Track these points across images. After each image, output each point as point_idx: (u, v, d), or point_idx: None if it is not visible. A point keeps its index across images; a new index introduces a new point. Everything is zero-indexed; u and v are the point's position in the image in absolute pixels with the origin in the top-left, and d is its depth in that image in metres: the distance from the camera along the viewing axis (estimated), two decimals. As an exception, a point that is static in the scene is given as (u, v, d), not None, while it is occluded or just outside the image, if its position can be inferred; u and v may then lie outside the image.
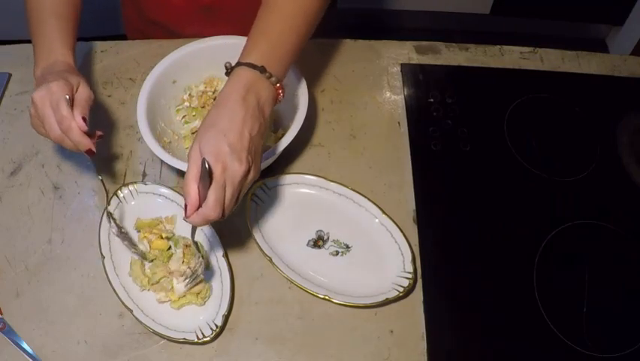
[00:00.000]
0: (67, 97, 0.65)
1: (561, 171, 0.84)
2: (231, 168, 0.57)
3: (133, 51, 0.93)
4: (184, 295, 0.70)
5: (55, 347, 0.68)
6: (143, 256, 0.72)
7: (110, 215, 0.73)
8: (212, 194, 0.57)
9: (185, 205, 0.58)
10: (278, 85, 0.64)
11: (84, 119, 0.66)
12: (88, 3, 0.84)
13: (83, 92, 0.68)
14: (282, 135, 0.75)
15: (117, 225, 0.72)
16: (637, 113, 0.93)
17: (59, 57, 0.71)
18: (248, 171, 0.59)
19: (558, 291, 0.74)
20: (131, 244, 0.72)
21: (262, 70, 0.63)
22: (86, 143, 0.66)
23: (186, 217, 0.58)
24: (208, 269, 0.73)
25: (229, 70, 0.64)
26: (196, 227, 0.64)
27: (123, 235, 0.72)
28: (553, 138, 0.87)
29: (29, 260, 0.74)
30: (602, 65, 0.95)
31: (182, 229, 0.75)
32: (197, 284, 0.70)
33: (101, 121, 0.86)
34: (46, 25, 0.73)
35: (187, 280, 0.69)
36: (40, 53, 0.72)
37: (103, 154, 0.83)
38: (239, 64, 0.63)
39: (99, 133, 0.70)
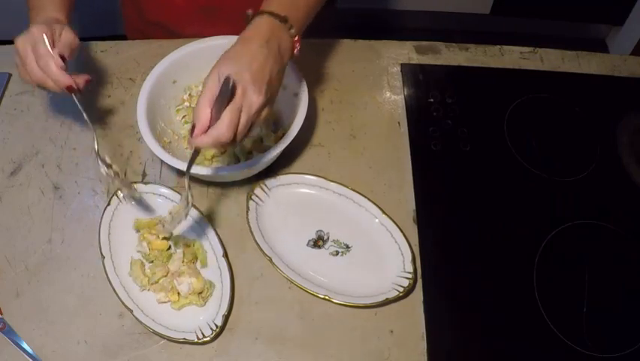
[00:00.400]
0: (46, 37, 0.65)
1: (561, 171, 0.84)
2: (250, 95, 0.57)
3: (133, 51, 0.93)
4: (186, 297, 0.70)
5: (55, 347, 0.68)
6: (133, 197, 0.72)
7: (97, 154, 0.71)
8: (228, 115, 0.56)
9: (193, 126, 0.57)
10: (296, 38, 0.65)
11: (63, 57, 0.66)
12: (88, 4, 0.84)
13: (66, 36, 0.68)
14: (282, 135, 0.75)
15: (106, 163, 0.70)
16: (637, 113, 0.93)
17: (52, 15, 0.72)
18: (264, 105, 0.59)
19: (558, 291, 0.74)
20: (125, 185, 0.72)
21: (284, 20, 0.63)
22: (65, 79, 0.66)
23: (192, 138, 0.57)
24: (205, 266, 0.73)
25: (250, 17, 0.65)
26: (197, 153, 0.63)
27: (115, 174, 0.71)
28: (553, 138, 0.87)
29: (29, 260, 0.74)
30: (602, 65, 0.95)
31: (182, 229, 0.75)
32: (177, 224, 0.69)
33: (101, 121, 0.86)
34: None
35: (169, 224, 0.68)
36: (33, 15, 0.73)
37: (103, 154, 0.83)
38: (261, 12, 0.64)
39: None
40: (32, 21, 0.72)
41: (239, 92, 0.57)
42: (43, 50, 0.65)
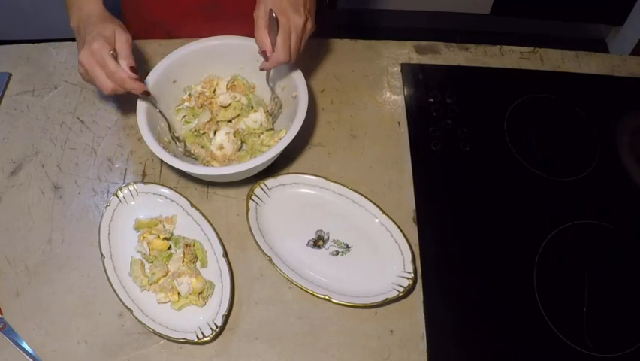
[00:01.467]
0: (111, 52, 0.70)
1: (561, 171, 0.84)
2: (293, 18, 0.69)
3: (133, 51, 0.93)
4: (186, 297, 0.70)
5: (55, 347, 0.68)
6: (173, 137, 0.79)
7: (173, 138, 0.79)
8: (280, 39, 0.69)
9: (263, 52, 0.71)
10: None
11: (132, 68, 0.71)
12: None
13: (121, 41, 0.72)
14: (282, 135, 0.75)
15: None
16: (637, 113, 0.93)
17: (90, 7, 0.76)
18: (306, 21, 0.71)
19: (558, 291, 0.74)
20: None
21: None
22: (140, 87, 0.73)
23: (266, 61, 0.72)
24: (205, 266, 0.73)
25: None
26: (269, 75, 0.79)
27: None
28: (553, 138, 0.87)
29: (29, 260, 0.74)
30: (602, 65, 0.96)
31: (182, 229, 0.75)
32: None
33: (101, 121, 0.86)
34: None
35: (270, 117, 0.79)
36: (71, 5, 0.78)
37: (103, 154, 0.83)
38: None
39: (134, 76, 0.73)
40: (72, 15, 0.77)
41: (282, 19, 0.68)
42: (114, 67, 0.70)
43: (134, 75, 0.71)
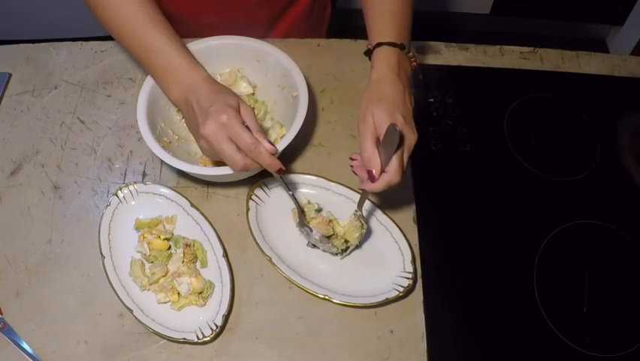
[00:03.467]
0: (245, 124, 0.64)
1: (561, 171, 0.84)
2: (409, 136, 0.64)
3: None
4: (186, 297, 0.70)
5: (55, 347, 0.68)
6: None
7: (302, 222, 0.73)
8: (397, 160, 0.62)
9: (370, 172, 0.63)
10: (413, 58, 0.73)
11: (272, 147, 0.65)
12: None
13: (247, 111, 0.66)
14: (282, 135, 0.75)
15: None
16: (637, 113, 0.93)
17: (194, 77, 0.69)
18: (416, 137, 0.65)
19: (558, 291, 0.74)
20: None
21: (402, 47, 0.70)
22: (276, 163, 0.66)
23: (366, 183, 0.64)
24: (205, 266, 0.73)
25: (371, 49, 0.71)
26: (366, 198, 0.70)
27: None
28: (553, 138, 0.87)
29: (29, 260, 0.74)
30: (602, 65, 0.95)
31: (182, 229, 0.75)
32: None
33: (101, 121, 0.86)
34: (159, 42, 0.70)
35: (348, 250, 0.72)
36: (169, 76, 0.70)
37: (103, 154, 0.83)
38: (380, 44, 0.69)
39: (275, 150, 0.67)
40: (172, 84, 0.70)
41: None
42: (252, 140, 0.63)
43: (273, 149, 0.65)
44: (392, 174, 0.63)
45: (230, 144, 0.64)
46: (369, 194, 0.69)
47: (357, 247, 0.74)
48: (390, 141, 0.61)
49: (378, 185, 0.63)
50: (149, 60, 0.72)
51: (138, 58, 0.73)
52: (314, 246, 0.75)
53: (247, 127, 0.65)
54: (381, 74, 0.68)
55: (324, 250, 0.74)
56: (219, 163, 0.78)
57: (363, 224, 0.71)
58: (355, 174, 0.69)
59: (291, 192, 0.73)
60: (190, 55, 0.72)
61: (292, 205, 0.77)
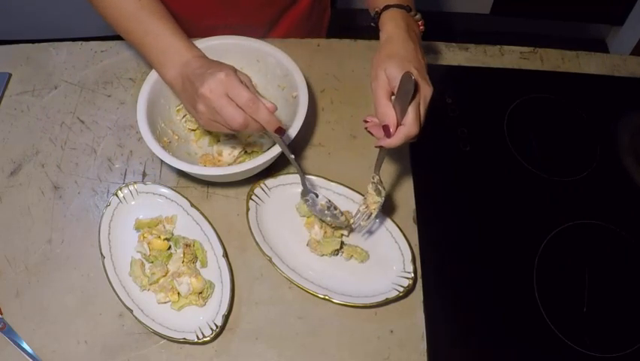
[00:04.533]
0: (243, 82, 0.64)
1: (561, 171, 0.84)
2: (424, 88, 0.62)
3: (133, 51, 0.93)
4: (186, 297, 0.70)
5: (55, 347, 0.68)
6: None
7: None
8: (413, 111, 0.60)
9: (386, 127, 0.61)
10: (420, 22, 0.72)
11: (272, 106, 0.65)
12: (89, 4, 0.83)
13: (244, 75, 0.67)
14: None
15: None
16: (637, 113, 0.93)
17: (188, 55, 0.69)
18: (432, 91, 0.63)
19: (558, 291, 0.74)
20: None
21: (408, 9, 0.70)
22: (275, 121, 0.65)
23: (389, 138, 0.61)
24: (205, 266, 0.73)
25: (379, 13, 0.70)
26: (383, 159, 0.68)
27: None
28: (553, 138, 0.87)
29: (29, 260, 0.74)
30: (602, 65, 0.96)
31: (182, 229, 0.75)
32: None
33: (101, 121, 0.86)
34: (156, 26, 0.71)
35: (365, 217, 0.71)
36: (164, 58, 0.70)
37: (103, 154, 0.83)
38: (388, 6, 0.69)
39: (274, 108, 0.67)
40: (168, 64, 0.70)
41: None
42: (251, 95, 0.63)
43: (272, 106, 0.64)
44: (409, 125, 0.61)
45: (229, 101, 0.63)
46: (386, 154, 0.67)
47: (375, 218, 0.72)
48: (404, 92, 0.59)
49: (396, 139, 0.61)
50: (146, 43, 0.72)
51: (135, 42, 0.73)
52: (321, 219, 0.72)
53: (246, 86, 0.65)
54: (391, 33, 0.67)
55: (330, 222, 0.72)
56: (215, 139, 0.77)
57: (381, 190, 0.69)
58: (371, 134, 0.66)
59: (293, 156, 0.70)
60: (185, 37, 0.72)
61: (292, 205, 0.77)
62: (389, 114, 0.61)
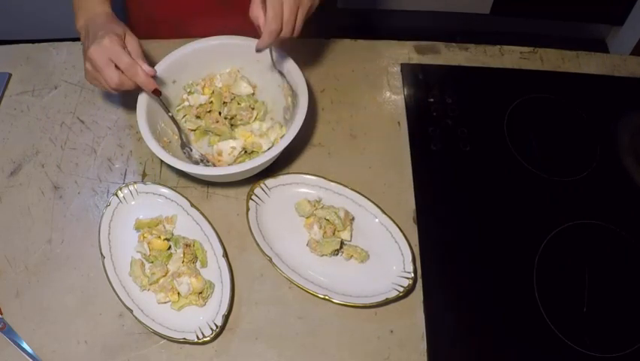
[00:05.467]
0: (125, 49, 0.71)
1: (561, 171, 0.84)
2: None
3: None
4: (186, 297, 0.70)
5: (55, 347, 0.68)
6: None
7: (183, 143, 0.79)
8: (270, 7, 0.65)
9: (258, 27, 0.68)
10: None
11: (149, 68, 0.72)
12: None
13: (132, 41, 0.74)
14: (282, 135, 0.75)
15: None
16: (637, 113, 0.93)
17: (98, 9, 0.77)
18: None
19: (558, 291, 0.74)
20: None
21: None
22: (151, 83, 0.72)
23: (259, 39, 0.67)
24: (205, 266, 0.73)
25: None
26: (271, 50, 0.74)
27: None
28: (553, 138, 0.87)
29: (29, 260, 0.74)
30: (602, 65, 0.96)
31: (182, 229, 0.75)
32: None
33: (101, 121, 0.86)
34: None
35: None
36: (79, 7, 0.78)
37: (103, 154, 0.83)
38: None
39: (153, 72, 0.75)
40: (80, 16, 0.78)
41: None
42: (130, 60, 0.71)
43: (151, 70, 0.73)
44: (268, 22, 0.66)
45: (110, 63, 0.70)
46: (273, 55, 0.75)
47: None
48: None
49: (262, 38, 0.67)
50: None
51: None
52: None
53: (129, 52, 0.72)
54: None
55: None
56: (216, 139, 0.81)
57: (291, 89, 0.75)
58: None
59: (170, 114, 0.77)
60: None
61: (292, 205, 0.77)
62: (259, 16, 0.68)
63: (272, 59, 0.76)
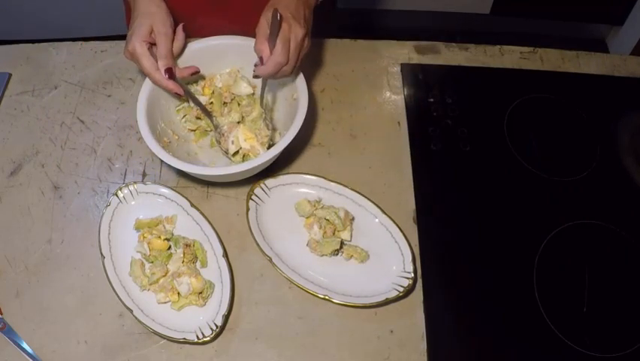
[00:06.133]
0: (147, 51, 0.72)
1: (561, 171, 0.84)
2: (294, 27, 0.70)
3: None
4: (186, 297, 0.70)
5: (55, 347, 0.68)
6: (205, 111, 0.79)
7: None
8: (280, 42, 0.69)
9: (261, 58, 0.71)
10: None
11: (169, 69, 0.73)
12: (89, 3, 0.84)
13: (159, 37, 0.74)
14: (282, 135, 0.75)
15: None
16: (637, 113, 0.93)
17: (146, 9, 0.75)
18: (306, 35, 0.71)
19: (558, 291, 0.74)
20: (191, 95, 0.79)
21: None
22: (172, 88, 0.74)
23: (262, 66, 0.70)
24: (205, 266, 0.73)
25: None
26: (266, 82, 0.77)
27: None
28: (553, 138, 0.87)
29: (29, 260, 0.74)
30: (602, 65, 0.96)
31: (182, 229, 0.75)
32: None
33: (101, 121, 0.86)
34: None
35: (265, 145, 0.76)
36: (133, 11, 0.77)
37: (103, 154, 0.83)
38: None
39: (193, 70, 0.78)
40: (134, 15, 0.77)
41: (284, 26, 0.69)
42: (148, 67, 0.72)
43: (166, 78, 0.73)
44: (276, 55, 0.69)
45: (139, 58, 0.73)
46: (265, 85, 0.77)
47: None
48: (274, 28, 0.69)
49: (267, 66, 0.70)
50: None
51: None
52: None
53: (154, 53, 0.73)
54: None
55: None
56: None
57: (269, 124, 0.77)
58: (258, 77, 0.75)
59: (200, 105, 0.79)
60: None
61: (292, 205, 0.77)
62: (263, 49, 0.70)
63: (262, 88, 0.78)
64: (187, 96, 0.79)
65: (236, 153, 0.78)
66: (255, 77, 0.74)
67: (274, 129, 0.82)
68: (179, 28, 0.78)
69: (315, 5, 0.78)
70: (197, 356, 0.68)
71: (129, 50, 0.73)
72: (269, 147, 0.77)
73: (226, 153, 0.79)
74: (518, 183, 0.82)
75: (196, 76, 0.84)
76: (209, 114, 0.80)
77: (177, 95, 0.76)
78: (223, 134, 0.78)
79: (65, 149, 0.84)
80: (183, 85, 0.76)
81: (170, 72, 0.74)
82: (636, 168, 0.85)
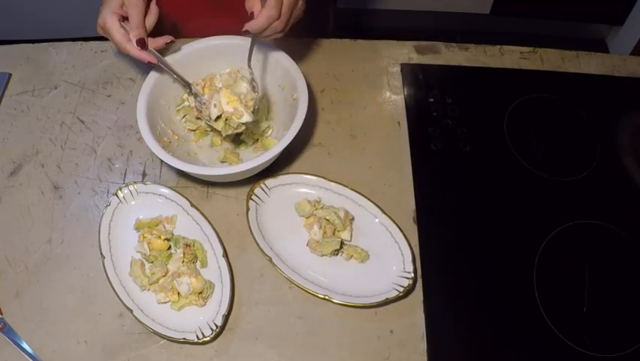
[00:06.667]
0: (118, 25, 0.72)
1: (561, 171, 0.84)
2: None
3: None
4: (186, 297, 0.70)
5: (55, 347, 0.68)
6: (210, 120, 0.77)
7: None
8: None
9: (251, 13, 0.69)
10: None
11: (140, 40, 0.72)
12: (89, 3, 0.84)
13: (131, 9, 0.72)
14: (282, 135, 0.75)
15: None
16: (637, 113, 0.93)
17: None
18: None
19: (558, 291, 0.74)
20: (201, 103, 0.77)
21: None
22: (144, 57, 0.74)
23: (252, 21, 0.68)
24: (205, 266, 0.73)
25: None
26: (254, 43, 0.75)
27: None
28: (553, 138, 0.87)
29: (29, 260, 0.74)
30: (602, 65, 0.96)
31: (182, 229, 0.75)
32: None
33: (101, 121, 0.86)
34: None
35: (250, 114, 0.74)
36: None
37: (103, 154, 0.83)
38: None
39: (166, 40, 0.76)
40: None
41: None
42: (119, 39, 0.72)
43: (138, 49, 0.73)
44: (268, 8, 0.67)
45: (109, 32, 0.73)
46: (254, 44, 0.75)
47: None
48: None
49: (258, 20, 0.68)
50: None
51: None
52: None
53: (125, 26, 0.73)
54: None
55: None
56: (218, 139, 0.79)
57: (255, 86, 0.74)
58: (246, 34, 0.72)
59: (175, 76, 0.78)
60: None
61: (292, 205, 0.77)
62: (254, 4, 0.69)
63: (249, 56, 0.76)
64: (162, 65, 0.77)
65: (219, 117, 0.76)
66: (245, 32, 0.70)
67: (265, 97, 0.81)
68: (153, 2, 0.77)
69: None
70: (197, 356, 0.68)
71: (100, 23, 0.73)
72: (253, 111, 0.75)
73: (208, 121, 0.77)
74: (518, 183, 0.82)
75: (195, 76, 0.84)
76: (188, 84, 0.79)
77: (151, 64, 0.75)
78: (204, 103, 0.77)
79: (65, 149, 0.84)
80: (157, 54, 0.75)
81: (142, 43, 0.73)
82: (636, 168, 0.85)
